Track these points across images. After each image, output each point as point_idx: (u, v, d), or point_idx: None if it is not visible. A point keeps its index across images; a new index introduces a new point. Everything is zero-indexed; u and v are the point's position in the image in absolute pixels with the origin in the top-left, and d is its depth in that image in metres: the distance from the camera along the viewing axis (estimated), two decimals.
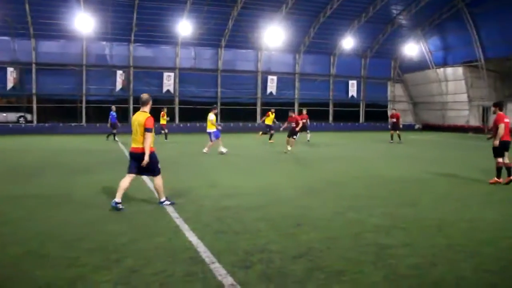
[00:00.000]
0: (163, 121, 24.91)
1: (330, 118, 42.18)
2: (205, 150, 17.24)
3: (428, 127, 42.44)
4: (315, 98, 41.12)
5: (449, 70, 40.20)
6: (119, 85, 34.81)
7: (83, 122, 34.48)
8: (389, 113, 44.24)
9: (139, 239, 5.83)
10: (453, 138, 30.14)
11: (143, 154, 7.44)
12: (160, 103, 37.03)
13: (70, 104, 35.11)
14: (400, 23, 39.66)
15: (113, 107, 25.33)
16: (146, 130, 7.42)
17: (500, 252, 5.41)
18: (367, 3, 35.83)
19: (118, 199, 7.44)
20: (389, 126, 26.79)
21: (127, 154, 17.20)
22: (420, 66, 42.45)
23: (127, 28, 33.39)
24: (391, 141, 24.82)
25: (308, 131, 24.56)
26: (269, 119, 25.16)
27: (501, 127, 10.59)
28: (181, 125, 36.06)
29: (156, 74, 36.04)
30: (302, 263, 4.92)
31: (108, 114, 24.81)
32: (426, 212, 7.56)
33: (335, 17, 36.47)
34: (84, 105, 34.46)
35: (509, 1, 32.76)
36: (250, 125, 38.20)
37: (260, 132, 25.92)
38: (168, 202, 7.87)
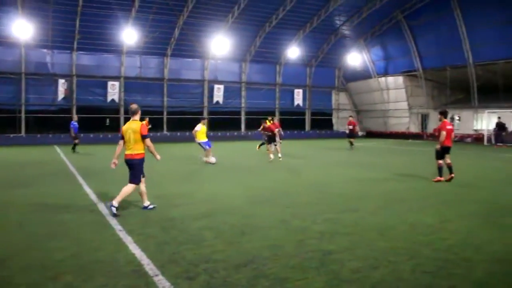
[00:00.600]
0: None
1: None
2: (212, 160, 17.02)
3: (371, 134, 43.79)
4: (262, 107, 41.47)
5: (390, 79, 41.77)
6: (61, 94, 33.58)
7: (22, 133, 33.00)
8: (334, 121, 45.41)
9: (80, 253, 5.64)
10: (395, 145, 31.25)
11: (135, 159, 8.01)
12: (104, 112, 36.33)
13: (8, 114, 33.44)
14: (343, 33, 40.83)
15: (75, 117, 24.47)
16: (144, 137, 8.03)
17: (436, 253, 5.64)
18: (311, 14, 36.63)
19: (145, 203, 8.38)
20: (346, 133, 26.83)
21: (69, 165, 16.78)
22: (363, 75, 43.85)
23: (70, 35, 32.30)
24: (350, 148, 25.19)
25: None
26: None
27: (442, 134, 12.05)
28: None
29: (101, 83, 35.11)
30: (247, 272, 4.93)
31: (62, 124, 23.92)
32: (368, 217, 7.78)
33: (280, 27, 37.07)
34: (23, 115, 32.97)
35: (443, 15, 34.63)
36: None
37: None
38: (114, 210, 7.76)
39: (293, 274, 4.88)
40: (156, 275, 4.81)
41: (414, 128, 40.68)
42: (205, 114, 38.95)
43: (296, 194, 10.25)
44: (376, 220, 7.47)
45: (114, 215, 7.68)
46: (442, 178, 12.02)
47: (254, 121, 40.52)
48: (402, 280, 4.73)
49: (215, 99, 39.19)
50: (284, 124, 42.30)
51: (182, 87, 38.43)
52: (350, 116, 27.53)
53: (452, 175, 11.97)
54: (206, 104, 39.10)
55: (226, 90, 39.58)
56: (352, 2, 35.54)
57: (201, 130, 17.28)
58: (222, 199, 9.61)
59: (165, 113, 37.42)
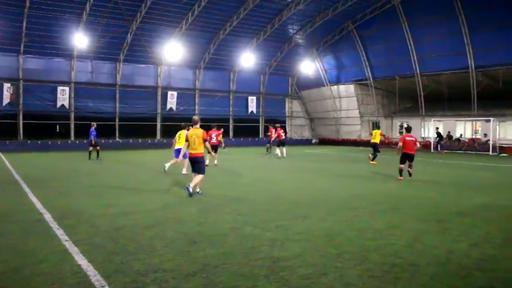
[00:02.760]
0: None
1: (231, 133, 42.68)
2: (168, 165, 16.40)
3: (324, 141, 44.58)
4: (216, 114, 41.40)
5: (342, 87, 42.76)
6: (6, 99, 32.22)
7: None
8: (287, 128, 45.83)
9: (22, 266, 5.39)
10: (347, 152, 31.89)
11: (199, 157, 10.99)
12: (54, 118, 35.18)
13: None
14: (297, 42, 41.49)
15: (94, 124, 23.09)
16: (205, 140, 10.95)
17: (383, 258, 5.78)
18: (265, 22, 37.02)
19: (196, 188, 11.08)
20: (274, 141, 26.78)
21: (14, 173, 16.13)
22: (315, 83, 44.65)
23: (16, 37, 30.97)
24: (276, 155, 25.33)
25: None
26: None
27: (399, 144, 15.21)
28: (77, 141, 34.11)
29: (50, 88, 34.03)
30: (196, 281, 4.88)
31: None
32: (318, 223, 7.88)
33: (234, 34, 37.27)
34: None
35: (392, 27, 35.90)
36: (150, 141, 37.48)
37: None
38: (199, 192, 11.05)
39: (242, 282, 4.87)
40: (103, 286, 4.68)
41: (365, 136, 41.67)
42: (158, 121, 38.50)
43: (248, 201, 10.27)
44: (326, 226, 7.58)
45: (190, 195, 10.60)
46: (401, 178, 14.74)
47: (208, 128, 40.44)
48: (350, 285, 4.81)
49: (168, 106, 38.81)
50: (238, 131, 42.83)
51: (135, 93, 37.83)
52: (278, 125, 27.82)
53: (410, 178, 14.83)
54: (159, 110, 38.65)
55: (179, 97, 39.29)
56: (305, 12, 36.21)
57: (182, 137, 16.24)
58: (174, 207, 9.50)
59: (117, 119, 36.68)
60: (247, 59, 39.16)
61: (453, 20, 32.25)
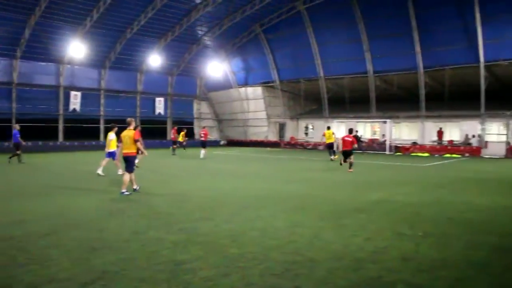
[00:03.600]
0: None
1: None
2: (120, 172, 15.54)
3: (232, 143, 44.91)
4: (122, 115, 39.97)
5: (250, 89, 43.43)
6: None
7: None
8: (196, 131, 45.58)
9: None
10: (254, 152, 32.40)
11: (130, 156, 11.86)
12: None
13: None
14: (205, 43, 41.44)
15: (17, 126, 21.81)
16: (136, 141, 11.78)
17: (284, 256, 5.96)
18: (174, 23, 36.53)
19: (135, 186, 11.93)
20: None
21: None
22: (224, 85, 44.92)
23: None
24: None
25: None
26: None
27: (340, 143, 19.05)
28: None
29: None
30: None
31: None
32: (222, 224, 7.94)
33: (142, 34, 36.35)
34: None
35: (298, 31, 37.17)
36: (51, 143, 35.39)
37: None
38: (127, 193, 11.35)
39: (143, 287, 4.78)
40: None
41: (272, 137, 42.70)
42: (61, 123, 36.52)
43: (152, 204, 10.09)
44: (229, 228, 7.65)
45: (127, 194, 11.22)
46: (351, 170, 17.84)
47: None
48: (251, 284, 4.90)
49: (71, 107, 36.86)
50: (145, 132, 41.70)
51: (34, 92, 35.45)
52: (204, 126, 28.78)
53: (351, 170, 17.94)
54: (61, 111, 36.59)
55: (83, 97, 37.47)
56: (213, 14, 36.27)
57: (114, 139, 15.99)
58: (72, 212, 9.05)
59: (13, 121, 34.18)
60: (155, 59, 38.40)
61: (354, 27, 34.10)
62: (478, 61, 29.39)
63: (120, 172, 15.51)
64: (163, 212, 9.13)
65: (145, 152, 12.96)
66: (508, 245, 6.77)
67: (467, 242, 6.87)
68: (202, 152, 25.31)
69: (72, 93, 36.73)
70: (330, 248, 6.39)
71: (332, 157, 23.47)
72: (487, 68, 29.52)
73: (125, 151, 11.86)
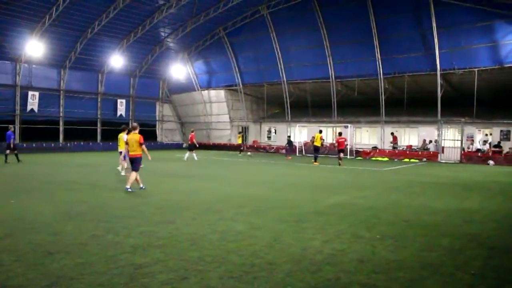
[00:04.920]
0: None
1: (99, 137, 40.75)
2: (122, 172, 17.30)
3: (194, 146, 44.51)
4: (82, 117, 39.31)
5: (213, 92, 43.36)
6: None
7: None
8: (159, 133, 45.17)
9: None
10: (216, 156, 32.33)
11: (137, 157, 13.10)
12: None
13: None
14: (168, 45, 41.09)
15: (11, 127, 22.80)
16: (141, 144, 13.03)
17: (243, 259, 6.00)
18: (136, 24, 36.02)
19: (141, 185, 13.18)
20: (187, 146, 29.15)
21: None
22: (187, 87, 44.66)
23: None
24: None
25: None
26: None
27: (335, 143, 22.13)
28: None
29: None
30: None
31: None
32: (183, 227, 7.91)
33: (103, 34, 35.66)
34: None
35: (261, 35, 37.38)
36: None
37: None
38: (131, 190, 12.57)
39: None
40: None
41: (235, 140, 42.70)
42: (17, 123, 35.36)
43: (112, 207, 9.94)
44: (190, 231, 7.64)
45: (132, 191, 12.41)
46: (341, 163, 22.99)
47: (75, 132, 38.25)
48: (210, 287, 4.91)
49: (29, 107, 35.69)
50: (106, 135, 40.97)
51: None
52: (192, 130, 30.27)
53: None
54: (18, 112, 35.40)
55: (42, 98, 36.40)
56: (176, 16, 35.99)
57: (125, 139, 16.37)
58: (28, 216, 8.81)
59: None
60: (117, 60, 37.77)
61: (316, 33, 34.56)
62: (435, 69, 30.33)
63: (122, 173, 17.27)
64: (124, 215, 9.01)
65: (149, 156, 13.56)
66: (460, 246, 7.02)
67: (422, 244, 7.09)
68: (193, 155, 27.05)
69: (30, 93, 35.59)
70: (289, 251, 6.47)
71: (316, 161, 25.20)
72: (443, 76, 30.50)
73: (131, 153, 13.08)
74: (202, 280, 5.13)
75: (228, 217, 8.94)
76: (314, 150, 25.76)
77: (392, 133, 34.23)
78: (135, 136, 13.10)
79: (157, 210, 9.72)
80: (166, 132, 47.00)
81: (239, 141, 35.38)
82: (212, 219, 8.75)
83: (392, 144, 34.10)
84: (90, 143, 38.76)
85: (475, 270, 5.75)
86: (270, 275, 5.39)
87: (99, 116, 40.62)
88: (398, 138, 34.96)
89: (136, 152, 13.09)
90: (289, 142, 33.65)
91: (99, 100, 40.51)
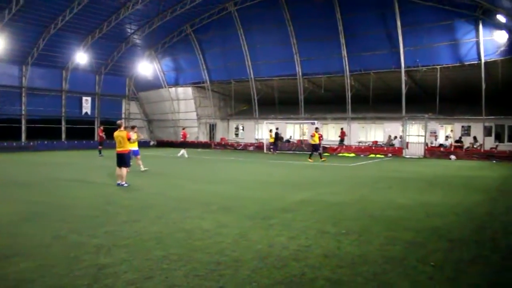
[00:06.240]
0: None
1: (63, 136, 39.84)
2: (142, 168, 18.06)
3: (162, 143, 44.24)
4: (46, 115, 38.38)
5: (180, 90, 43.07)
6: None
7: None
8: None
9: None
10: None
11: (125, 153, 13.56)
12: None
13: None
14: (134, 42, 40.49)
15: None
16: (129, 139, 13.73)
17: (209, 257, 5.98)
18: (101, 19, 35.31)
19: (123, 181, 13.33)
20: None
21: None
22: (154, 85, 44.19)
23: None
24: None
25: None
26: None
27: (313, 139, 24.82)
28: None
29: None
30: None
31: None
32: (148, 226, 7.83)
33: (67, 30, 34.77)
34: None
35: (229, 33, 37.31)
36: None
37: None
38: (126, 184, 13.23)
39: None
40: None
41: (203, 137, 42.55)
42: None
43: (77, 207, 9.74)
44: (156, 230, 7.56)
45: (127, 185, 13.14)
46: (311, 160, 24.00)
47: (38, 130, 37.28)
48: (174, 286, 4.88)
49: None
50: (71, 133, 40.14)
51: None
52: (183, 128, 31.23)
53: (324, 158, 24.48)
54: None
55: (2, 95, 35.32)
56: (143, 12, 35.49)
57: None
58: None
59: None
60: (82, 57, 36.97)
61: (284, 30, 34.73)
62: (399, 66, 30.98)
63: (142, 168, 18.04)
64: (88, 215, 8.85)
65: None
66: (422, 239, 7.18)
67: (386, 238, 7.22)
68: (182, 152, 27.69)
69: None
70: (255, 248, 6.49)
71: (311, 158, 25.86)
72: (407, 73, 31.21)
73: (119, 149, 13.52)
74: (167, 279, 5.09)
75: (195, 215, 8.89)
76: (314, 148, 26.21)
77: (341, 129, 34.82)
78: (122, 133, 13.63)
79: (122, 209, 9.59)
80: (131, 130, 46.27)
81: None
82: (179, 217, 8.69)
83: (339, 141, 34.71)
84: (55, 142, 37.85)
85: (435, 262, 5.90)
86: (236, 272, 5.39)
87: (63, 114, 39.72)
88: (364, 134, 35.58)
89: (124, 148, 13.57)
90: (277, 136, 33.90)
91: (63, 97, 39.60)
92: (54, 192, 12.22)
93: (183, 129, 30.27)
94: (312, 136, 26.07)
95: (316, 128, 26.72)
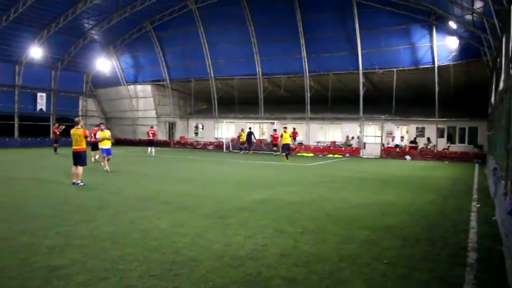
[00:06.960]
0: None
1: (16, 133, 38.46)
2: (106, 168, 17.30)
3: (121, 142, 43.45)
4: None
5: (139, 87, 42.48)
6: None
7: None
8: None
9: None
10: (142, 152, 31.59)
11: (81, 151, 13.21)
12: None
13: None
14: (92, 37, 39.53)
15: None
16: (86, 137, 13.41)
17: (165, 257, 5.96)
18: (57, 13, 34.23)
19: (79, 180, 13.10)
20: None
21: None
22: (112, 82, 43.33)
23: None
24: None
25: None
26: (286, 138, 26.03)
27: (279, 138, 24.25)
28: None
29: None
30: None
31: None
32: (104, 226, 7.71)
33: (21, 22, 33.52)
34: None
35: (189, 31, 37.08)
36: None
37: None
38: (82, 183, 13.01)
39: None
40: None
41: (162, 136, 42.07)
42: None
43: (29, 207, 9.46)
44: (111, 229, 7.45)
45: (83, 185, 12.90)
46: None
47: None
48: (129, 287, 4.84)
49: None
50: (24, 130, 38.80)
51: None
52: (152, 126, 30.60)
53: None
54: None
55: None
56: (101, 7, 34.67)
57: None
58: None
59: None
60: (36, 51, 35.81)
61: (244, 29, 34.77)
62: (357, 68, 31.59)
63: (106, 168, 17.32)
64: (41, 215, 8.61)
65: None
66: (376, 238, 7.37)
67: (341, 236, 7.38)
68: (152, 150, 28.14)
69: None
70: (212, 247, 6.50)
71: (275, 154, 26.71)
72: (365, 75, 31.86)
73: (76, 147, 13.23)
74: (122, 280, 5.04)
75: (152, 215, 8.80)
76: (286, 148, 26.15)
77: (294, 128, 35.16)
78: (78, 130, 13.31)
79: (77, 208, 9.38)
80: (90, 127, 45.20)
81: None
82: (135, 217, 8.58)
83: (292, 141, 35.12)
84: (7, 139, 36.51)
85: (388, 260, 6.08)
86: (192, 272, 5.39)
87: (16, 110, 38.35)
88: (323, 134, 36.10)
89: (80, 146, 13.28)
90: (250, 136, 33.81)
91: (16, 93, 38.18)
92: (6, 192, 11.81)
93: (151, 127, 29.73)
94: (281, 136, 26.45)
95: (285, 127, 26.87)
